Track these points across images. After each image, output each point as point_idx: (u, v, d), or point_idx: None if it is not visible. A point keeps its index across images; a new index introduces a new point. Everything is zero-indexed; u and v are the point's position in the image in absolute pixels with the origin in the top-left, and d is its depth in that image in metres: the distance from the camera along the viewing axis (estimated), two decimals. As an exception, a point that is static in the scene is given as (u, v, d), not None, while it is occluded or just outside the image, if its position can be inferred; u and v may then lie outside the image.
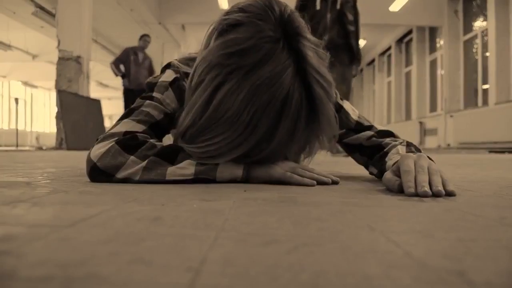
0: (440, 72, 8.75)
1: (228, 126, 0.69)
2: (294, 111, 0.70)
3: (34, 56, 11.83)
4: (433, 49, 9.24)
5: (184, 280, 0.23)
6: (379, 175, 0.86)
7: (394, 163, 0.73)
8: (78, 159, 2.13)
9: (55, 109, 5.36)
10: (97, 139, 0.81)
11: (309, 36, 0.74)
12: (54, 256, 0.28)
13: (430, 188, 0.61)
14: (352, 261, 0.27)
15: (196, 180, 0.76)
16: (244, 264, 0.26)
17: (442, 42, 8.51)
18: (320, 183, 0.77)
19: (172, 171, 0.75)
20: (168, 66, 0.94)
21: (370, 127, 0.94)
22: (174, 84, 0.89)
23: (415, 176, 0.64)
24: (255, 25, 0.70)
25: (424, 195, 0.60)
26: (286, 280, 0.23)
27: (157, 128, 0.86)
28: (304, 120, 0.72)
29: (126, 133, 0.81)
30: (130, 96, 5.39)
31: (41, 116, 16.93)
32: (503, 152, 4.68)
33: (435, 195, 0.60)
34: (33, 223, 0.40)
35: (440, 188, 0.61)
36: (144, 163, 0.75)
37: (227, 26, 0.72)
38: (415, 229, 0.40)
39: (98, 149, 0.78)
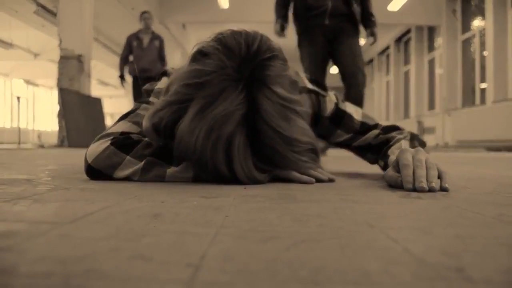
0: (438, 71, 8.74)
1: (191, 158, 0.71)
2: (241, 152, 0.69)
3: (35, 55, 11.84)
4: (431, 48, 9.22)
5: (184, 276, 0.23)
6: (385, 167, 0.87)
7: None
8: (79, 157, 2.13)
9: (56, 108, 5.36)
10: (95, 139, 0.83)
11: (278, 88, 0.70)
12: (54, 252, 0.28)
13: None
14: (352, 258, 0.27)
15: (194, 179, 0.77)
16: (244, 260, 0.26)
17: (440, 42, 8.49)
18: (318, 180, 0.78)
19: (171, 174, 0.76)
20: (165, 73, 0.96)
21: (375, 126, 0.96)
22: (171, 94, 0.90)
23: (413, 170, 0.67)
24: (220, 60, 0.70)
25: (421, 190, 0.64)
26: (285, 276, 0.23)
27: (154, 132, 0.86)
28: (257, 160, 0.73)
29: (122, 133, 0.82)
30: (135, 84, 4.97)
31: (43, 115, 16.95)
32: (500, 150, 4.67)
33: (430, 190, 0.64)
34: (34, 220, 0.40)
35: (434, 184, 0.65)
36: (141, 164, 0.76)
37: (199, 54, 0.73)
38: (414, 226, 0.40)
39: (94, 149, 0.80)
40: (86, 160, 0.80)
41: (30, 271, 0.24)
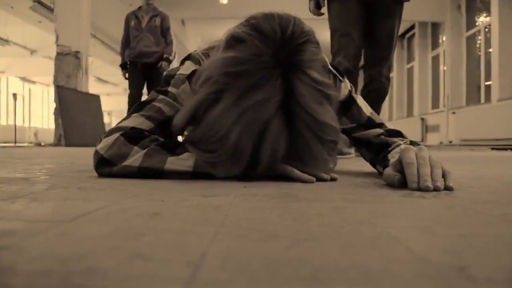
0: (442, 68, 8.72)
1: (222, 144, 0.70)
2: (274, 137, 0.70)
3: (32, 51, 11.78)
4: (435, 45, 9.20)
5: (184, 275, 0.23)
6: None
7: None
8: (76, 155, 2.12)
9: (53, 105, 5.34)
10: (105, 133, 0.84)
11: (312, 72, 0.71)
12: (53, 250, 0.28)
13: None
14: (353, 256, 0.27)
15: (194, 174, 0.76)
16: (244, 259, 0.26)
17: (444, 38, 8.48)
18: (319, 179, 0.77)
19: (172, 160, 0.76)
20: (188, 57, 0.94)
21: (380, 125, 0.95)
22: (192, 77, 0.88)
23: (417, 169, 0.65)
24: (256, 47, 0.69)
25: (426, 189, 0.62)
26: (286, 275, 0.23)
27: (166, 127, 0.85)
28: (289, 149, 0.73)
29: (132, 128, 0.83)
30: (131, 70, 4.15)
31: (40, 112, 16.89)
32: (505, 149, 4.68)
33: (435, 189, 0.63)
34: (32, 218, 0.40)
35: (439, 183, 0.63)
36: (145, 151, 0.77)
37: (233, 40, 0.72)
38: (416, 225, 0.39)
39: (104, 142, 0.81)
40: (97, 153, 0.81)
41: (28, 270, 0.24)
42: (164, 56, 4.18)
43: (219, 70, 0.70)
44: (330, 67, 0.95)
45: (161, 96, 0.87)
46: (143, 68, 4.13)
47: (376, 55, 2.39)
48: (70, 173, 0.93)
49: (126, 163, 0.77)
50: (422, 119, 8.99)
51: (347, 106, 0.95)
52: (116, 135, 0.80)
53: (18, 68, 13.95)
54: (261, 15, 0.74)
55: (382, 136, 0.93)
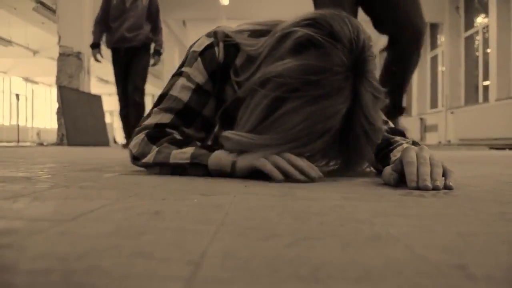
0: (441, 68, 8.72)
1: (277, 135, 0.72)
2: (331, 136, 0.73)
3: (35, 52, 11.82)
4: (434, 45, 9.20)
5: (185, 273, 0.23)
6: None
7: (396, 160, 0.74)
8: (79, 155, 2.13)
9: (56, 105, 5.35)
10: (135, 132, 0.91)
11: (374, 81, 0.74)
12: (54, 249, 0.28)
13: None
14: (353, 255, 0.27)
15: (193, 164, 0.80)
16: (244, 258, 0.26)
17: (443, 39, 8.47)
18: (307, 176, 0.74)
19: (175, 154, 0.82)
20: (210, 33, 0.94)
21: (385, 122, 0.95)
22: (205, 53, 0.91)
23: (417, 168, 0.65)
24: (336, 56, 0.70)
25: (424, 188, 0.62)
26: (286, 274, 0.23)
27: (186, 114, 0.90)
28: (336, 148, 0.78)
29: (156, 125, 0.89)
30: (115, 59, 3.66)
31: (42, 112, 16.93)
32: (503, 148, 4.67)
33: (434, 188, 0.63)
34: (34, 217, 0.40)
35: (438, 183, 0.63)
36: (157, 148, 0.85)
37: (307, 42, 0.71)
38: (416, 223, 0.40)
39: (135, 140, 0.90)
40: (130, 151, 0.91)
41: (30, 268, 0.24)
42: (155, 48, 3.70)
43: (295, 76, 0.70)
44: None
45: (177, 82, 0.90)
46: (126, 53, 3.63)
47: (394, 21, 1.85)
48: (72, 172, 0.94)
49: (145, 160, 0.86)
50: (421, 118, 8.98)
51: None
52: (142, 135, 0.88)
53: (21, 69, 14.00)
54: (332, 17, 0.73)
55: (385, 133, 0.92)
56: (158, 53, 3.77)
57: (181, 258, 0.26)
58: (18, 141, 7.90)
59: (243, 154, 0.77)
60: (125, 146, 3.65)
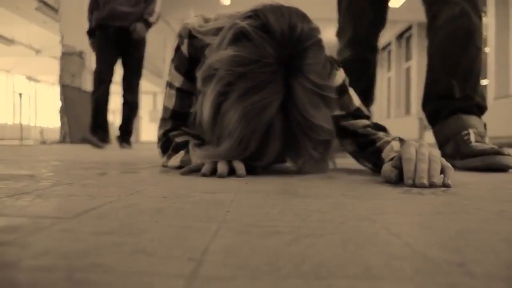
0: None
1: (228, 139, 0.73)
2: (278, 137, 0.73)
3: (37, 51, 11.84)
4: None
5: (186, 270, 0.23)
6: (375, 168, 0.89)
7: (392, 158, 0.75)
8: (81, 153, 2.13)
9: (58, 104, 5.37)
10: (158, 140, 1.03)
11: (313, 76, 0.72)
12: (57, 246, 0.29)
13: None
14: (353, 252, 0.27)
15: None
16: (245, 255, 0.27)
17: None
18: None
19: (173, 159, 0.94)
20: (177, 34, 0.98)
21: (368, 117, 0.97)
22: (175, 57, 0.97)
23: (416, 165, 0.65)
24: (263, 48, 0.70)
25: (421, 186, 0.62)
26: (287, 271, 0.24)
27: (177, 117, 0.99)
28: (285, 145, 0.76)
29: (164, 133, 1.01)
30: (100, 37, 3.13)
31: (45, 111, 16.97)
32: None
33: (431, 186, 0.63)
34: (37, 215, 0.40)
35: (436, 180, 0.63)
36: (166, 155, 0.98)
37: (241, 35, 0.72)
38: (416, 221, 0.40)
39: (158, 149, 1.04)
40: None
41: (33, 265, 0.24)
42: (143, 16, 3.10)
43: (225, 67, 0.71)
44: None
45: (166, 92, 1.01)
46: (116, 34, 3.08)
47: None
48: (75, 170, 0.94)
49: (164, 163, 1.00)
50: (420, 118, 8.95)
51: (339, 94, 0.95)
52: (158, 147, 1.02)
53: (24, 68, 14.02)
54: (271, 9, 0.74)
55: (369, 128, 0.93)
56: (146, 22, 3.10)
57: (183, 255, 0.26)
58: (21, 140, 7.92)
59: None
60: (88, 140, 3.13)
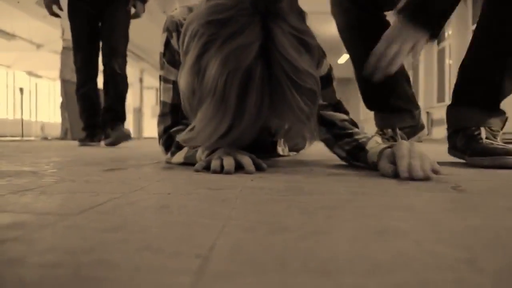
0: (448, 62, 8.64)
1: (209, 98, 0.70)
2: (258, 86, 0.70)
3: (38, 46, 11.82)
4: (441, 38, 9.12)
5: (193, 266, 0.23)
6: (348, 157, 0.96)
7: (382, 150, 0.81)
8: (83, 149, 2.14)
9: (59, 99, 5.37)
10: (159, 138, 1.02)
11: (292, 19, 0.72)
12: (63, 243, 0.28)
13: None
14: (361, 249, 0.27)
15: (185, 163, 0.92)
16: (252, 252, 0.26)
17: (450, 32, 8.39)
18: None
19: (177, 155, 0.95)
20: (164, 28, 0.97)
21: (347, 113, 0.99)
22: (166, 50, 0.97)
23: (409, 162, 0.71)
24: None
25: (417, 178, 0.68)
26: (295, 267, 0.23)
27: (176, 111, 0.97)
28: (268, 99, 0.72)
29: (164, 131, 1.00)
30: (73, 8, 2.84)
31: (46, 106, 16.98)
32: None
33: (425, 178, 0.68)
34: (41, 211, 0.40)
35: (429, 173, 0.69)
36: (169, 152, 0.98)
37: None
38: (424, 217, 0.39)
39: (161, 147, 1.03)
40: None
41: (39, 262, 0.24)
42: None
43: (203, 20, 0.71)
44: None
45: (161, 87, 0.99)
46: (92, 4, 2.59)
47: None
48: (77, 166, 0.94)
49: (167, 160, 1.00)
50: (428, 112, 8.92)
51: (324, 84, 0.92)
52: (161, 144, 1.02)
53: (25, 63, 14.01)
54: None
55: (346, 123, 0.97)
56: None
57: (189, 251, 0.26)
58: (22, 136, 7.93)
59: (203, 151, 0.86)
60: (85, 141, 2.74)
